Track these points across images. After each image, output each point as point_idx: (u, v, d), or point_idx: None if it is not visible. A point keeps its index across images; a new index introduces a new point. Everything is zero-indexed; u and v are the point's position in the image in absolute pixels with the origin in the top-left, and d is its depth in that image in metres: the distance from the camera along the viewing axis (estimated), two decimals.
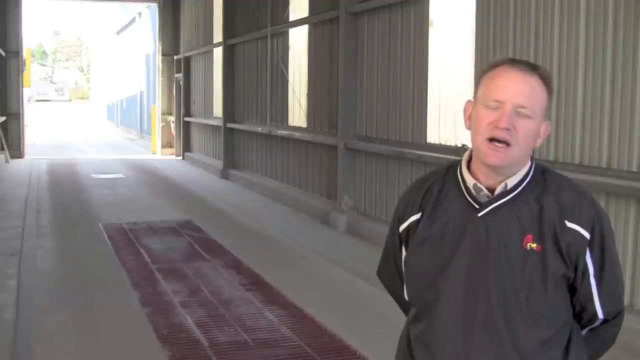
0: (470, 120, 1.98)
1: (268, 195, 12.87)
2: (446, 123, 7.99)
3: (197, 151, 19.62)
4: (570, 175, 6.18)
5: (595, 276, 1.95)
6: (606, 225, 1.96)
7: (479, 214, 1.94)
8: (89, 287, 6.99)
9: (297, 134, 12.09)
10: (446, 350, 1.95)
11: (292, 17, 12.55)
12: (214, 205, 12.20)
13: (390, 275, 2.22)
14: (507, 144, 1.88)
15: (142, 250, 8.43)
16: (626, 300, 5.43)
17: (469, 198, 1.97)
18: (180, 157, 20.79)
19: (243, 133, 15.41)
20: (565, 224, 1.91)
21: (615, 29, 5.56)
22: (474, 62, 7.36)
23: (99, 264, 7.90)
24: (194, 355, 5.14)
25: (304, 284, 7.08)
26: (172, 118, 21.83)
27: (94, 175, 16.10)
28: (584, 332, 2.04)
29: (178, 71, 21.34)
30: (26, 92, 22.30)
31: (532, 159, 2.00)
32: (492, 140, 1.89)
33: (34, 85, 55.30)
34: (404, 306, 2.20)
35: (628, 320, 5.97)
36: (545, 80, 1.94)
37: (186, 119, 20.46)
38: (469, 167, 2.00)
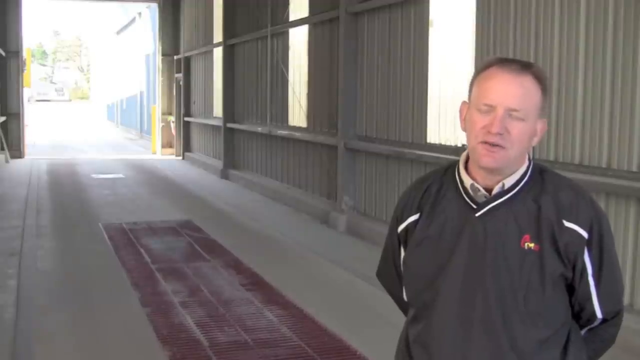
0: (465, 121, 1.98)
1: (268, 195, 12.88)
2: (446, 123, 7.99)
3: (197, 151, 19.62)
4: (570, 175, 6.19)
5: (593, 276, 1.94)
6: (605, 225, 1.96)
7: (477, 214, 1.94)
8: (89, 287, 6.99)
9: (297, 134, 12.09)
10: (444, 350, 1.95)
11: (292, 17, 12.55)
12: (214, 205, 12.20)
13: (389, 275, 2.22)
14: (501, 147, 1.88)
15: (142, 250, 8.43)
16: (626, 300, 5.43)
17: (466, 198, 1.97)
18: (180, 157, 20.80)
19: (243, 133, 15.41)
20: (563, 224, 1.90)
21: (616, 29, 5.56)
22: (474, 62, 7.36)
23: (99, 264, 7.90)
24: (194, 355, 5.14)
25: (304, 284, 7.08)
26: (172, 118, 21.83)
27: (94, 175, 16.10)
28: (583, 332, 2.04)
29: (178, 71, 21.34)
30: (26, 92, 22.30)
31: (529, 159, 1.99)
32: (486, 143, 1.89)
33: (34, 85, 55.30)
34: (404, 307, 2.19)
35: (628, 320, 5.97)
36: (539, 79, 1.93)
37: (186, 119, 20.46)
38: (466, 168, 2.00)
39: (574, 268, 1.92)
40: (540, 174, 1.98)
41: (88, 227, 10.05)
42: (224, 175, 15.83)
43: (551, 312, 1.92)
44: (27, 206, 11.54)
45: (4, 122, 19.10)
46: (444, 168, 2.08)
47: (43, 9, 69.74)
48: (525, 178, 1.96)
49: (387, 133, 9.15)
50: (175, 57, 21.58)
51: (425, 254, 2.00)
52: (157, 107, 22.56)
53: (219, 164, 16.64)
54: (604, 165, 5.72)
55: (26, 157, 19.95)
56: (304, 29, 12.07)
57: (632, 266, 5.45)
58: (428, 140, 8.31)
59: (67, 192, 13.81)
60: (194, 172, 17.51)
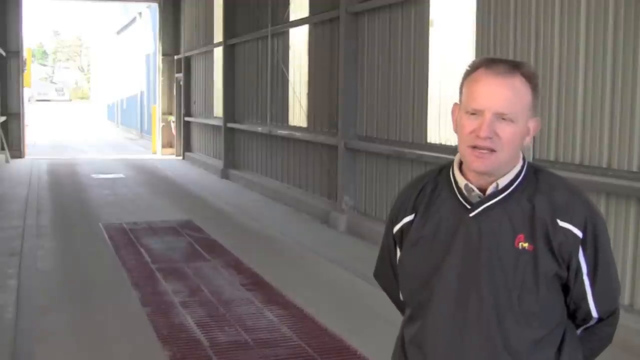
0: (456, 124, 1.97)
1: (268, 195, 12.87)
2: (446, 123, 7.98)
3: (198, 151, 19.62)
4: (570, 175, 6.19)
5: (588, 275, 1.93)
6: (600, 224, 1.94)
7: (471, 214, 1.93)
8: (89, 287, 6.99)
9: (298, 134, 12.09)
10: (438, 350, 1.95)
11: (293, 17, 12.55)
12: (215, 205, 12.21)
13: (386, 276, 2.22)
14: (491, 150, 1.87)
15: (142, 250, 8.43)
16: (626, 300, 5.43)
17: (460, 198, 1.96)
18: (181, 157, 20.80)
19: (243, 133, 15.41)
20: (557, 223, 1.89)
21: (616, 29, 5.56)
22: None
23: (100, 264, 7.90)
24: (194, 355, 5.14)
25: (304, 284, 7.08)
26: (172, 118, 21.83)
27: (94, 175, 16.10)
28: (579, 331, 2.03)
29: (178, 71, 21.34)
30: (26, 92, 22.30)
31: (524, 158, 1.98)
32: (475, 147, 1.88)
33: (34, 85, 55.29)
34: (401, 307, 2.19)
35: (628, 320, 5.95)
36: (529, 78, 1.91)
37: (186, 118, 20.46)
38: (461, 168, 1.99)
39: (568, 267, 1.92)
40: (534, 174, 1.97)
41: (88, 227, 10.05)
42: (225, 175, 15.83)
43: (546, 312, 1.92)
44: (27, 206, 11.55)
45: (4, 122, 19.10)
46: (439, 168, 2.08)
47: (43, 9, 69.82)
48: (520, 178, 1.95)
49: (388, 133, 9.15)
50: (175, 57, 21.58)
51: (420, 254, 2.00)
52: (158, 107, 22.56)
53: (219, 163, 16.64)
54: (604, 165, 5.71)
55: (26, 157, 19.95)
56: (304, 29, 12.07)
57: (632, 266, 5.45)
58: (428, 140, 8.31)
59: (67, 192, 13.81)
60: (194, 172, 17.51)
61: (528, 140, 1.94)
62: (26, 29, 20.95)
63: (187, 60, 20.56)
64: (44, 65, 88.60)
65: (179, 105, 21.35)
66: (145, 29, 28.25)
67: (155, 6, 22.95)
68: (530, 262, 1.89)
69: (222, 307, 6.22)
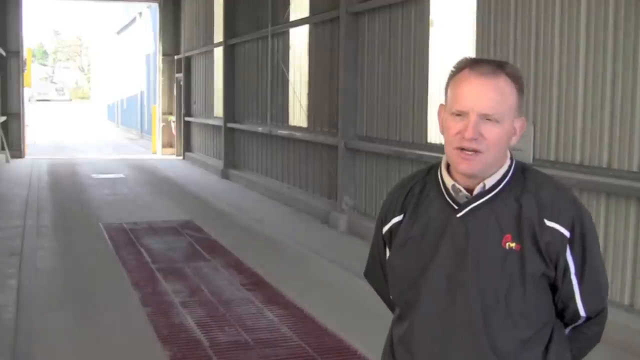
0: (442, 126, 1.96)
1: (268, 195, 12.87)
2: None
3: (198, 151, 19.62)
4: (570, 175, 6.19)
5: (576, 275, 1.93)
6: (587, 223, 1.93)
7: (458, 215, 1.93)
8: (89, 287, 6.99)
9: (298, 134, 12.09)
10: (425, 350, 1.95)
11: (293, 17, 12.55)
12: (215, 205, 12.21)
13: (376, 275, 2.23)
14: (477, 152, 1.86)
15: (142, 250, 8.43)
16: (626, 300, 5.43)
17: (448, 199, 1.96)
18: (181, 157, 20.80)
19: (243, 133, 15.41)
20: (544, 223, 1.88)
21: (616, 29, 5.56)
22: None
23: (100, 264, 7.90)
24: (195, 355, 5.14)
25: (304, 284, 7.08)
26: (172, 118, 21.84)
27: (95, 175, 16.10)
28: (567, 330, 2.03)
29: (179, 71, 21.34)
30: (27, 92, 22.31)
31: (512, 157, 1.98)
32: (461, 149, 1.87)
33: (35, 85, 55.34)
34: (391, 306, 2.20)
35: (628, 320, 5.95)
36: (514, 78, 1.90)
37: (187, 118, 20.46)
38: (448, 168, 1.98)
39: (556, 267, 1.91)
40: (522, 173, 1.96)
41: (88, 227, 10.05)
42: (225, 175, 15.83)
43: (533, 311, 1.91)
44: (27, 206, 11.55)
45: (4, 122, 19.11)
46: (427, 168, 2.08)
47: (43, 8, 69.84)
48: (507, 177, 1.94)
49: (388, 133, 9.15)
50: (175, 57, 21.58)
51: (408, 254, 1.99)
52: (158, 107, 22.56)
53: (219, 163, 16.64)
54: (604, 165, 5.71)
55: (26, 157, 19.96)
56: (304, 29, 12.07)
57: (633, 266, 5.45)
58: (428, 140, 8.31)
59: (67, 192, 13.81)
60: (195, 172, 17.51)
61: (515, 140, 1.94)
62: (26, 29, 20.97)
63: (187, 60, 20.56)
64: (44, 65, 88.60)
65: (179, 105, 21.36)
66: (146, 29, 28.25)
67: (155, 6, 22.96)
68: (517, 262, 1.88)
69: (222, 307, 6.22)
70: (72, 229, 9.98)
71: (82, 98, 76.75)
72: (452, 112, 1.89)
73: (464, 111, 1.86)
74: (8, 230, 9.55)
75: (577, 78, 5.91)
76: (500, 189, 1.93)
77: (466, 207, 1.93)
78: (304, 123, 12.12)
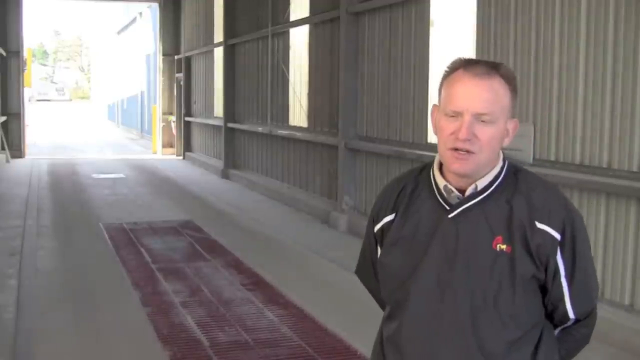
0: (435, 126, 1.96)
1: (269, 195, 12.88)
2: None
3: (198, 151, 19.63)
4: (570, 175, 6.18)
5: (566, 277, 1.92)
6: (578, 225, 1.93)
7: (450, 216, 1.93)
8: (89, 287, 6.99)
9: (298, 134, 12.10)
10: (414, 350, 1.95)
11: (293, 17, 12.55)
12: (215, 205, 12.21)
13: (367, 273, 2.22)
14: (470, 152, 1.86)
15: (142, 250, 8.44)
16: (626, 300, 5.43)
17: (440, 199, 1.96)
18: (181, 157, 20.80)
19: (244, 133, 15.41)
20: (535, 225, 1.88)
21: (616, 29, 5.56)
22: None
23: (100, 264, 7.90)
24: (195, 355, 5.14)
25: (304, 283, 7.08)
26: (172, 118, 21.84)
27: (95, 175, 16.11)
28: (556, 331, 2.03)
29: (179, 71, 21.35)
30: (27, 92, 22.31)
31: (504, 159, 1.97)
32: (455, 149, 1.87)
33: (35, 85, 55.33)
34: (382, 304, 2.20)
35: (628, 320, 5.94)
36: (507, 79, 1.90)
37: (187, 118, 20.46)
38: (441, 168, 1.98)
39: (546, 269, 1.91)
40: (514, 174, 1.96)
41: (89, 227, 10.05)
42: (225, 175, 15.83)
43: (522, 313, 1.91)
44: (27, 206, 11.55)
45: (4, 122, 19.11)
46: (420, 168, 2.07)
47: (44, 8, 69.88)
48: (499, 179, 1.94)
49: (388, 133, 9.15)
50: (176, 57, 21.58)
51: (399, 254, 1.99)
52: (158, 107, 22.57)
53: (219, 163, 16.64)
54: (604, 165, 5.71)
55: (27, 157, 19.96)
56: (304, 29, 12.07)
57: (633, 266, 5.45)
58: (429, 140, 8.31)
59: (67, 192, 13.82)
60: (195, 172, 17.51)
61: (507, 141, 1.94)
62: (26, 29, 20.97)
63: (188, 60, 20.56)
64: (45, 65, 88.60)
65: (179, 105, 21.36)
66: (146, 29, 28.25)
67: (155, 6, 22.97)
68: (507, 264, 1.88)
69: (223, 307, 6.22)
70: (72, 229, 9.98)
71: (82, 98, 76.76)
72: (446, 112, 1.90)
73: (458, 112, 1.86)
74: (8, 230, 9.55)
75: (577, 78, 5.91)
76: (492, 190, 1.93)
77: (458, 208, 1.93)
78: (304, 123, 12.12)
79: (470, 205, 1.92)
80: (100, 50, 50.86)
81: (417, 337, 1.94)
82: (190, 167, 18.58)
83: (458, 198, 1.94)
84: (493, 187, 1.93)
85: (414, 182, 2.03)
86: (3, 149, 18.83)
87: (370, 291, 2.28)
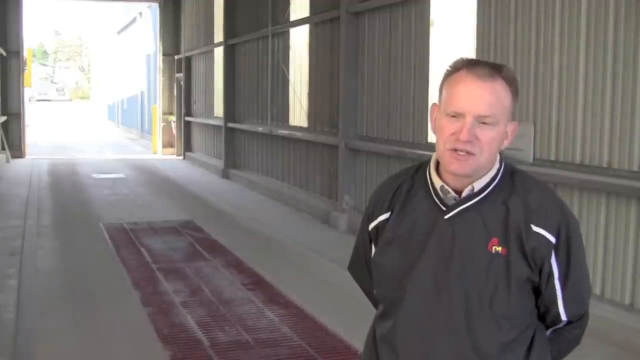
0: (435, 125, 1.95)
1: (269, 195, 12.88)
2: None
3: (198, 151, 19.63)
4: (570, 175, 6.18)
5: (559, 280, 1.93)
6: (572, 227, 1.93)
7: (446, 216, 1.93)
8: (89, 286, 6.99)
9: (298, 134, 12.10)
10: (409, 349, 1.95)
11: (293, 16, 12.55)
12: (215, 205, 12.21)
13: (360, 270, 2.23)
14: (470, 154, 1.86)
15: (143, 250, 8.44)
16: (626, 300, 5.43)
17: (436, 200, 1.96)
18: (181, 157, 20.80)
19: (244, 133, 15.41)
20: (530, 228, 1.89)
21: (616, 29, 5.56)
22: None
23: (100, 264, 7.91)
24: (195, 355, 5.14)
25: (304, 283, 7.08)
26: (172, 118, 21.84)
27: (95, 175, 16.11)
28: (548, 332, 2.03)
29: (179, 71, 21.35)
30: (27, 92, 22.31)
31: (501, 160, 1.97)
32: (454, 150, 1.87)
33: (35, 85, 55.31)
34: (374, 301, 2.20)
35: (628, 320, 5.94)
36: (509, 82, 1.89)
37: (187, 118, 20.46)
38: (437, 168, 1.98)
39: (540, 272, 1.91)
40: (511, 176, 1.96)
41: (89, 227, 10.05)
42: (225, 175, 15.83)
43: (516, 315, 1.91)
44: (27, 206, 11.54)
45: (4, 122, 19.11)
46: (416, 166, 2.07)
47: (44, 8, 69.84)
48: (496, 180, 1.94)
49: (388, 133, 9.15)
50: (176, 57, 21.58)
51: (395, 253, 1.99)
52: (158, 107, 22.57)
53: (219, 163, 16.64)
54: (604, 165, 5.71)
55: (27, 157, 19.95)
56: (304, 29, 12.07)
57: (633, 266, 5.45)
58: (429, 140, 8.32)
59: (68, 192, 13.82)
60: (195, 172, 17.51)
61: (506, 144, 1.94)
62: (26, 29, 20.96)
63: (188, 60, 20.56)
64: (45, 65, 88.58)
65: (179, 105, 21.36)
66: (146, 29, 28.25)
67: (155, 6, 22.96)
68: (502, 266, 1.88)
69: (223, 307, 6.23)
70: (73, 229, 9.99)
71: (83, 98, 76.74)
72: (447, 112, 1.88)
73: (460, 113, 1.85)
74: (8, 230, 9.55)
75: (577, 78, 5.91)
76: (489, 192, 1.93)
77: (454, 209, 1.92)
78: (304, 123, 12.12)
79: (466, 207, 1.92)
80: (100, 50, 50.85)
81: (412, 336, 1.94)
82: (191, 167, 18.58)
83: (454, 199, 1.94)
84: (490, 188, 1.93)
85: (410, 181, 2.03)
86: (3, 149, 18.83)
87: (363, 289, 2.28)
